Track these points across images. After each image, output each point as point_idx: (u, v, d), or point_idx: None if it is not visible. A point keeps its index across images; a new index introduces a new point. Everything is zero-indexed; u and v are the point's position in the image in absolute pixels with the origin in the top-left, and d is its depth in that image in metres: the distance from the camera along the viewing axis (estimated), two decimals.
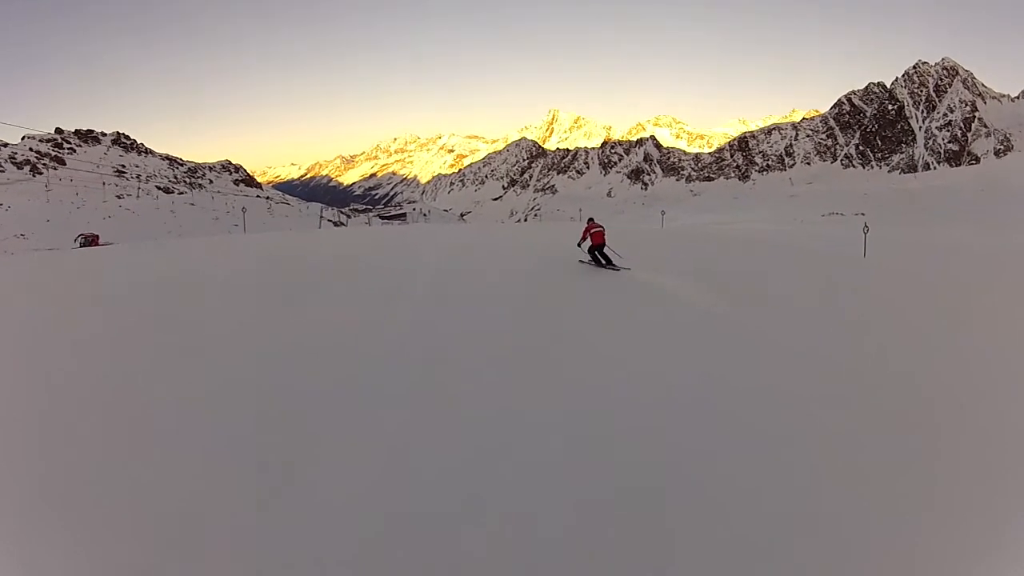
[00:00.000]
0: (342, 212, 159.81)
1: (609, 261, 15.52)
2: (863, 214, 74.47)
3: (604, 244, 15.64)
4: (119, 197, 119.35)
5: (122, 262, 18.33)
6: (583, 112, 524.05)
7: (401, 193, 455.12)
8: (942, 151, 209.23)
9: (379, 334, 8.04)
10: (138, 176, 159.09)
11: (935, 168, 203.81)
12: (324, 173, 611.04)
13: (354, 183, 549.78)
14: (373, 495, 3.94)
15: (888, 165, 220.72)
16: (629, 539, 3.50)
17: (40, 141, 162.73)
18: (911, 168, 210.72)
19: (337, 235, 33.65)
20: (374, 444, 4.70)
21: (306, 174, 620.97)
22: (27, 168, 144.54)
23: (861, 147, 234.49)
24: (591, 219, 16.68)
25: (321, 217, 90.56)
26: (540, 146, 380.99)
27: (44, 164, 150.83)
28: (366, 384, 6.12)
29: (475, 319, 9.52)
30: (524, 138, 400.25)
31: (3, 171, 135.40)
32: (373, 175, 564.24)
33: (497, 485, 4.10)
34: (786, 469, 4.41)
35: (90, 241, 41.74)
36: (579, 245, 16.33)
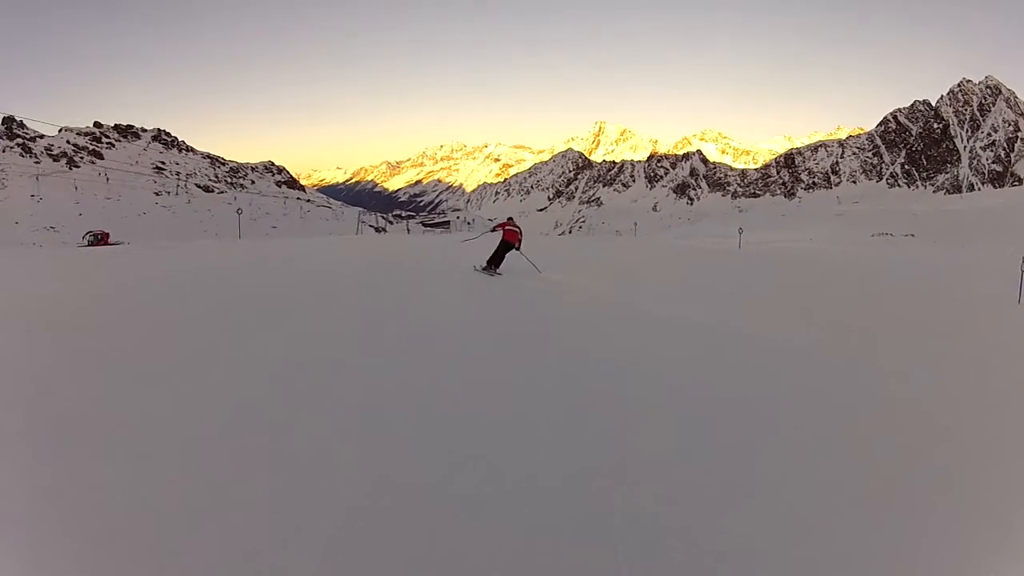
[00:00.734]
0: (384, 217, 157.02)
1: (498, 264, 14.56)
2: (913, 235, 78.95)
3: (516, 247, 14.71)
4: (157, 194, 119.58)
5: (109, 263, 17.20)
6: (629, 124, 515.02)
7: (446, 201, 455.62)
8: (986, 171, 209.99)
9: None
10: (177, 174, 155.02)
11: (979, 189, 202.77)
12: (369, 178, 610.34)
13: (399, 189, 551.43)
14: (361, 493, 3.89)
15: (933, 185, 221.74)
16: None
17: (78, 134, 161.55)
18: (956, 188, 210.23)
19: (361, 242, 31.54)
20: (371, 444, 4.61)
21: (351, 178, 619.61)
22: (63, 161, 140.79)
23: (906, 166, 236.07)
24: (510, 218, 15.59)
25: (360, 222, 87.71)
26: (586, 157, 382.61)
27: (81, 158, 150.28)
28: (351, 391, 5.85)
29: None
30: (570, 149, 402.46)
31: (39, 163, 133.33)
32: (418, 182, 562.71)
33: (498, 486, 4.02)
34: (786, 469, 4.43)
35: (99, 239, 39.47)
36: (492, 231, 15.92)
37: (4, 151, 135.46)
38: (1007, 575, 3.32)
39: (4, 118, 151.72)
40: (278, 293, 11.48)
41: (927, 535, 3.59)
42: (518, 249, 14.91)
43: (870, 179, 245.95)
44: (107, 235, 40.88)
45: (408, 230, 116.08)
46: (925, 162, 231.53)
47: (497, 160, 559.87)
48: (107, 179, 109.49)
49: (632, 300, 12.43)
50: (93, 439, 4.56)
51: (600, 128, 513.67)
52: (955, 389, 6.98)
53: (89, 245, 36.91)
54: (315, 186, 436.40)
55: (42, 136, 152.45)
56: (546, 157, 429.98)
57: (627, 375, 6.65)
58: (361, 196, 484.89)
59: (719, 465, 4.35)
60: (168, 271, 14.92)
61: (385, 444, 4.56)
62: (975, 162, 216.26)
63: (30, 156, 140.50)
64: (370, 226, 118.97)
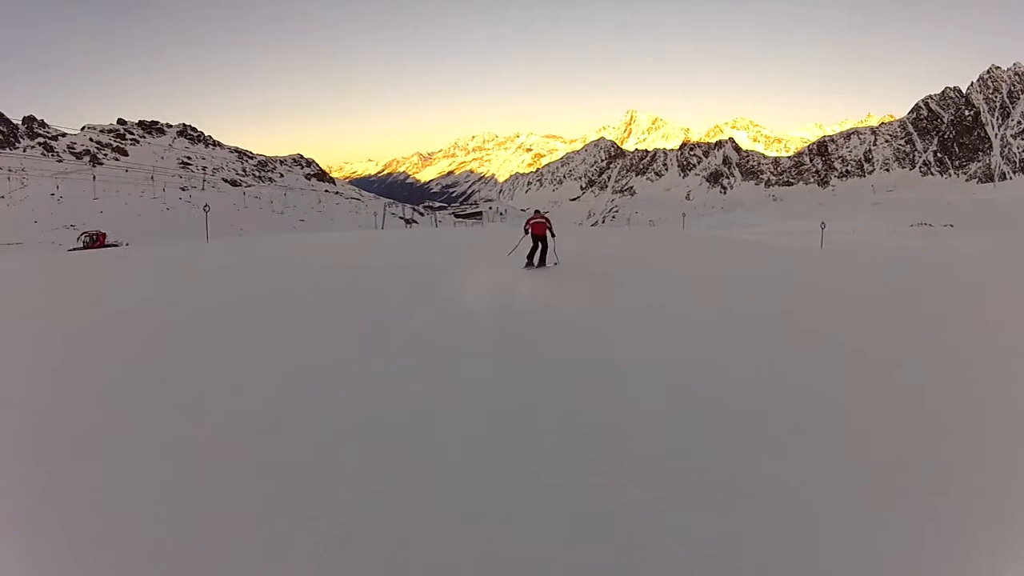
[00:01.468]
0: (415, 209, 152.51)
1: (543, 259, 15.06)
2: (951, 225, 77.69)
3: (544, 237, 15.02)
4: (183, 189, 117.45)
5: (86, 271, 17.00)
6: (660, 113, 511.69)
7: (478, 191, 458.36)
8: (1017, 160, 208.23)
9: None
10: (203, 168, 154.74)
11: (1011, 178, 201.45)
12: (401, 170, 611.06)
13: (431, 180, 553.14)
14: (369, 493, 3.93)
15: (965, 173, 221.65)
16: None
17: (101, 131, 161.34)
18: (988, 177, 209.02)
19: (379, 241, 29.55)
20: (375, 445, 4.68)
21: (383, 170, 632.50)
22: (87, 158, 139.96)
23: (939, 154, 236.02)
24: (537, 211, 16.09)
25: (384, 214, 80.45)
26: (618, 146, 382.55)
27: (105, 155, 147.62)
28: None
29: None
30: (602, 138, 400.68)
31: (61, 161, 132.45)
32: (451, 172, 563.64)
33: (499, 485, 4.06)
34: (786, 467, 4.39)
35: (95, 240, 37.30)
36: (525, 235, 15.85)
37: (25, 150, 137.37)
38: (1008, 575, 3.32)
39: (24, 118, 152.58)
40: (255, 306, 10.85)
41: (928, 534, 3.56)
42: (551, 234, 15.29)
43: (903, 167, 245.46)
44: (103, 236, 38.58)
45: (436, 223, 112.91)
46: (957, 150, 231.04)
47: (529, 150, 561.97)
48: (102, 185, 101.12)
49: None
50: (90, 442, 4.75)
51: (631, 117, 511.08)
52: None
53: (84, 247, 35.60)
54: (347, 178, 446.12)
55: (64, 134, 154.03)
56: (578, 146, 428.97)
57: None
58: (393, 188, 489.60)
59: (718, 465, 4.39)
60: (157, 278, 15.52)
61: (384, 446, 4.62)
62: (1006, 150, 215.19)
63: (52, 155, 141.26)
64: (400, 218, 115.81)
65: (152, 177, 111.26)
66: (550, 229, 15.43)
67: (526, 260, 15.24)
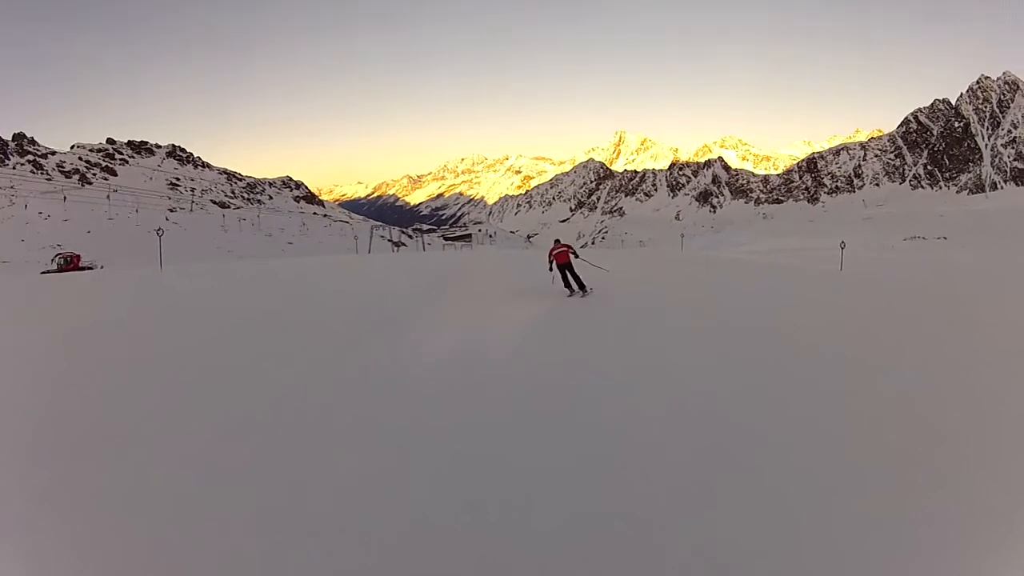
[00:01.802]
0: (404, 232, 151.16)
1: (581, 285, 14.81)
2: (945, 238, 79.76)
3: (570, 264, 14.96)
4: (171, 211, 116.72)
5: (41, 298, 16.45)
6: (649, 134, 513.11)
7: (468, 214, 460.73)
8: (1008, 169, 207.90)
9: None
10: (192, 190, 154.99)
11: (1002, 187, 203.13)
12: (391, 192, 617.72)
13: (421, 203, 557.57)
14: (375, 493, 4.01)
15: (956, 185, 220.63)
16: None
17: (90, 151, 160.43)
18: (979, 188, 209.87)
19: (363, 265, 28.32)
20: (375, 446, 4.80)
21: (373, 193, 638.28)
22: (76, 177, 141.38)
23: (929, 167, 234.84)
24: (556, 241, 16.02)
25: (379, 237, 76.19)
26: (607, 167, 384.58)
27: (94, 174, 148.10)
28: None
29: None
30: (591, 159, 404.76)
31: (50, 179, 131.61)
32: (440, 195, 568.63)
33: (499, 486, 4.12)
34: (786, 468, 4.45)
35: (69, 263, 37.13)
36: (550, 270, 15.42)
37: (15, 168, 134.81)
38: (1008, 575, 3.32)
39: (14, 135, 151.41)
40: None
41: (926, 535, 3.59)
42: (576, 257, 15.47)
43: (893, 181, 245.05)
44: (78, 258, 38.47)
45: (424, 247, 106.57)
46: (948, 162, 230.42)
47: (518, 172, 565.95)
48: (108, 197, 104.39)
49: None
50: (91, 447, 4.82)
51: (620, 138, 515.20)
52: None
53: (58, 269, 35.50)
54: (337, 201, 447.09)
55: (54, 152, 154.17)
56: (567, 168, 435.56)
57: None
58: (383, 210, 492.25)
59: (718, 465, 4.43)
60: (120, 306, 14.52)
61: (383, 460, 4.59)
62: (997, 160, 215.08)
63: (41, 173, 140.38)
64: (388, 240, 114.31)
65: (137, 209, 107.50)
66: (574, 252, 15.49)
67: (568, 290, 15.06)
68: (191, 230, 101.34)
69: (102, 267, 37.69)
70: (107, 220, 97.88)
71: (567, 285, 15.00)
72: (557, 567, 3.26)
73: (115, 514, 3.75)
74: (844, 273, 23.86)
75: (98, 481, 4.19)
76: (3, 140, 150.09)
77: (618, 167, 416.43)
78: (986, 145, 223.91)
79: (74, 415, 5.71)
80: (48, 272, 33.91)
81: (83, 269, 34.71)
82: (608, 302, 13.54)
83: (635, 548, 3.41)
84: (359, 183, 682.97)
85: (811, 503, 3.94)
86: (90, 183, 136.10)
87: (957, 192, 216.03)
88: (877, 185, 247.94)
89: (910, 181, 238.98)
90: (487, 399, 6.11)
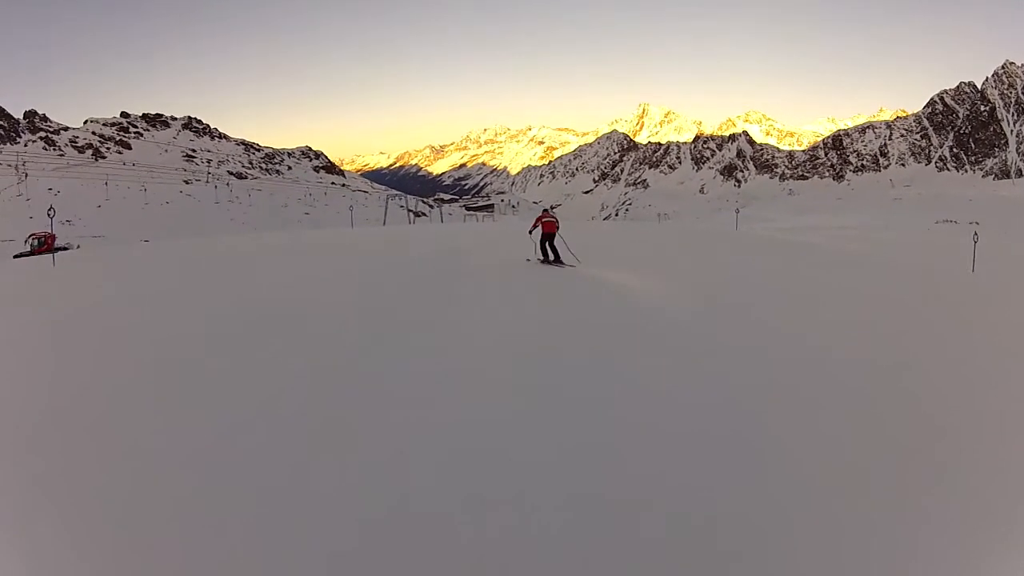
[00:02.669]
0: (424, 201, 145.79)
1: (557, 256, 14.65)
2: (977, 223, 75.75)
3: (554, 235, 14.88)
4: (187, 183, 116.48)
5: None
6: (672, 107, 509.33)
7: (491, 184, 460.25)
8: None
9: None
10: (208, 161, 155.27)
11: None
12: (413, 162, 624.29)
13: (443, 173, 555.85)
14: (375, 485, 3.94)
15: (981, 169, 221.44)
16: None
17: (104, 125, 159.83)
18: (1004, 174, 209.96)
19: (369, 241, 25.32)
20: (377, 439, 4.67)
21: (395, 163, 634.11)
22: (89, 152, 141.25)
23: (955, 149, 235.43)
24: (545, 210, 15.76)
25: (387, 208, 73.31)
26: (631, 139, 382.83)
27: (108, 148, 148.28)
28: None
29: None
30: (615, 131, 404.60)
31: (63, 155, 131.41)
32: (463, 165, 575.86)
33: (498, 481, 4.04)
34: (787, 467, 4.37)
35: (43, 244, 34.17)
36: (530, 233, 15.42)
37: (26, 145, 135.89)
38: (1008, 575, 3.30)
39: (26, 112, 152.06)
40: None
41: (926, 535, 3.54)
42: (556, 234, 15.03)
43: (919, 162, 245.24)
44: (52, 238, 34.20)
45: (442, 218, 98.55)
46: (973, 145, 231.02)
47: (541, 143, 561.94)
48: (104, 180, 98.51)
49: None
50: (90, 442, 4.74)
51: (644, 110, 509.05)
52: None
53: (31, 252, 33.41)
54: (359, 171, 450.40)
55: (66, 128, 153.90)
56: (590, 139, 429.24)
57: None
58: (405, 180, 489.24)
59: (717, 466, 4.35)
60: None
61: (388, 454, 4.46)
62: (1022, 147, 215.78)
63: (54, 149, 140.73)
64: (410, 211, 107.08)
65: (144, 187, 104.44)
66: (557, 228, 15.24)
67: (539, 258, 15.03)
68: (204, 201, 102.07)
69: (78, 247, 36.03)
70: (117, 194, 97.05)
71: (544, 254, 14.80)
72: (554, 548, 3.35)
73: (114, 510, 3.74)
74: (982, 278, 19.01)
75: (97, 476, 4.17)
76: (13, 118, 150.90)
77: (641, 139, 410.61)
78: (1012, 131, 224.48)
79: (67, 408, 5.57)
80: (21, 255, 32.47)
81: (58, 250, 30.77)
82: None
83: (636, 547, 3.39)
84: (381, 153, 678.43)
85: (812, 503, 3.91)
86: (104, 157, 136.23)
87: (982, 176, 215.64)
88: (903, 165, 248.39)
89: (936, 163, 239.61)
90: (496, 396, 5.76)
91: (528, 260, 15.23)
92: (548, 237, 14.88)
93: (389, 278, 13.88)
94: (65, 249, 32.36)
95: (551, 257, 14.75)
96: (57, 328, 9.15)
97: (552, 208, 16.40)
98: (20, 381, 6.53)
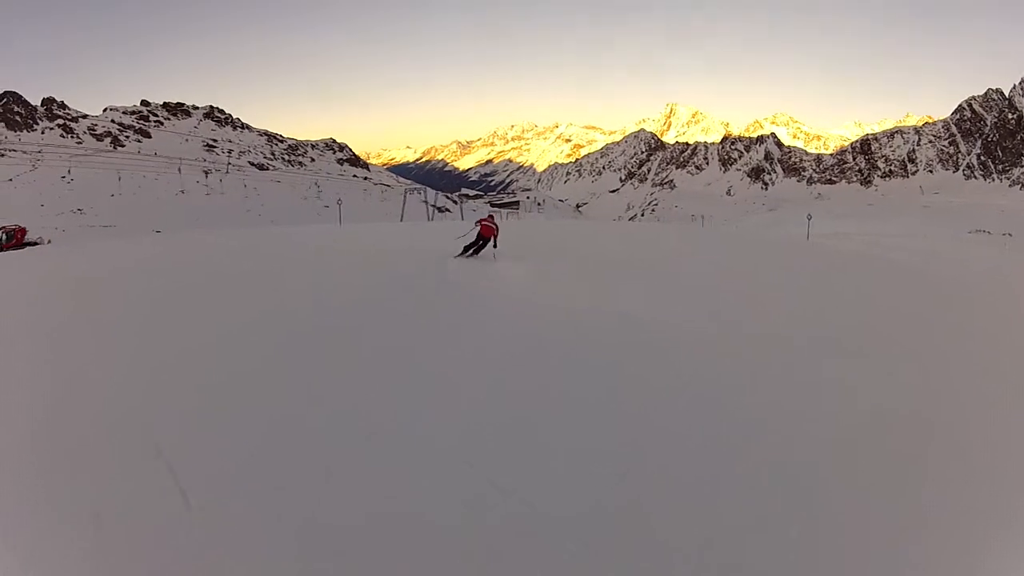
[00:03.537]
0: (448, 197, 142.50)
1: (475, 253, 15.43)
2: (1010, 234, 78.11)
3: (490, 239, 15.31)
4: (206, 173, 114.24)
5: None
6: (699, 107, 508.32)
7: (517, 180, 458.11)
8: None
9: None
10: (229, 151, 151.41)
11: None
12: (440, 158, 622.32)
13: (470, 168, 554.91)
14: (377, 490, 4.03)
15: (1009, 178, 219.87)
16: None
17: (124, 113, 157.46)
18: None
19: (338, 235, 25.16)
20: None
21: (421, 157, 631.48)
22: (107, 140, 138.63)
23: (983, 157, 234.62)
24: (490, 215, 16.64)
25: (405, 202, 71.41)
26: (659, 139, 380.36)
27: (127, 136, 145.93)
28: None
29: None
30: (642, 130, 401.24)
31: (80, 143, 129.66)
32: (489, 161, 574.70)
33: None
34: (787, 467, 4.43)
35: (11, 238, 31.36)
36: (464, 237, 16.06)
37: (43, 132, 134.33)
38: (1008, 575, 3.29)
39: (44, 99, 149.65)
40: None
41: (926, 535, 3.56)
42: (493, 242, 15.42)
43: (947, 169, 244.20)
44: (22, 231, 32.40)
45: (462, 216, 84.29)
46: (1001, 154, 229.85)
47: (568, 140, 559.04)
48: (117, 175, 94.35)
49: None
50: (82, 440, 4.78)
51: (671, 110, 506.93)
52: None
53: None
54: (385, 165, 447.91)
55: (85, 116, 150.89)
56: (617, 138, 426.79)
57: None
58: (431, 175, 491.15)
59: (716, 467, 4.40)
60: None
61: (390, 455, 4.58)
62: None
63: (72, 136, 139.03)
64: (433, 206, 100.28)
65: (156, 177, 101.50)
66: (495, 236, 15.59)
67: (464, 254, 15.67)
68: (223, 191, 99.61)
69: (49, 242, 34.32)
70: (132, 183, 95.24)
71: (471, 249, 15.53)
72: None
73: (115, 510, 3.76)
74: None
75: (99, 479, 4.17)
76: (31, 105, 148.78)
77: (669, 139, 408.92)
78: None
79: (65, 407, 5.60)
80: None
81: (28, 245, 30.02)
82: None
83: (635, 549, 3.47)
84: (408, 148, 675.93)
85: (812, 503, 3.94)
86: (123, 146, 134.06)
87: (1010, 186, 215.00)
88: (931, 172, 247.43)
89: (963, 170, 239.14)
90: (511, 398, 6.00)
91: (461, 254, 15.77)
92: (483, 239, 15.56)
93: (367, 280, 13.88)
94: (35, 244, 31.17)
95: (470, 253, 15.65)
96: None
97: (492, 216, 16.77)
98: None
